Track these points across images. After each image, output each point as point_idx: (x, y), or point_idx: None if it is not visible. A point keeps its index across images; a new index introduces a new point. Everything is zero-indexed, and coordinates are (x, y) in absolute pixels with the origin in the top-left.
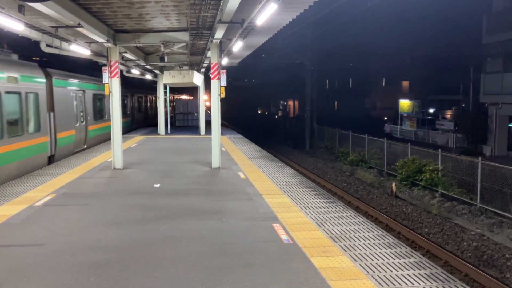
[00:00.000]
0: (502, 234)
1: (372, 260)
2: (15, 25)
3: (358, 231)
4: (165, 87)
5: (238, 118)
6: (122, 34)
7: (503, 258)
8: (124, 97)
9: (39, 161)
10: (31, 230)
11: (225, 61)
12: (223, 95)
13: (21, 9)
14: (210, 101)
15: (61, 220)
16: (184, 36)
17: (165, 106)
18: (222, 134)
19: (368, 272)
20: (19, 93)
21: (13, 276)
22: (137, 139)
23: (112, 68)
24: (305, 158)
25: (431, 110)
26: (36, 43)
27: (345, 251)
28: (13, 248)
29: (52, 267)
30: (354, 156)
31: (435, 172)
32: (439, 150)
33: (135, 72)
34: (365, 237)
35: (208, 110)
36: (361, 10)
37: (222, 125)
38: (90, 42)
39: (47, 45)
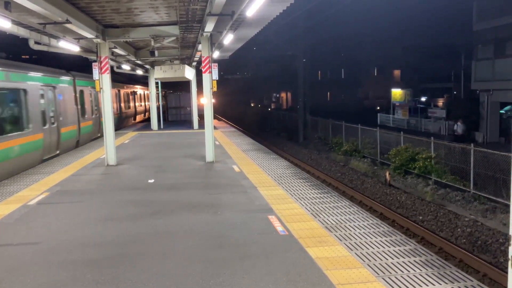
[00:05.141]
0: (496, 220)
1: (368, 248)
2: (2, 23)
3: (353, 221)
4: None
5: (231, 111)
6: (111, 29)
7: (496, 243)
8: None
9: None
10: (26, 229)
11: (216, 54)
12: (215, 89)
13: (7, 6)
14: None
15: (56, 218)
16: (174, 30)
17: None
18: (215, 128)
19: (364, 261)
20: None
21: (10, 275)
22: (130, 135)
23: (102, 64)
24: (299, 149)
25: (423, 99)
26: (23, 40)
27: (341, 240)
28: (8, 247)
29: (48, 265)
30: (348, 146)
31: (428, 160)
32: (432, 138)
33: (126, 67)
34: (360, 226)
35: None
36: (352, 0)
37: (215, 119)
38: (79, 38)
39: (36, 42)
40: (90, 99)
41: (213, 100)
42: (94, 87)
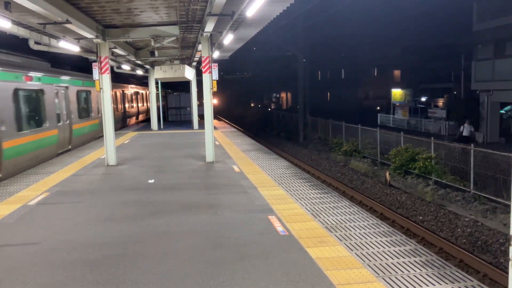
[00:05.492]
0: (496, 220)
1: (368, 248)
2: (2, 23)
3: (353, 221)
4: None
5: (231, 112)
6: (111, 29)
7: (497, 243)
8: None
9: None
10: (26, 229)
11: (216, 54)
12: (215, 89)
13: (7, 6)
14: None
15: (56, 218)
16: (174, 30)
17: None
18: (215, 128)
19: (364, 261)
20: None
21: (10, 275)
22: (130, 135)
23: (102, 64)
24: (299, 149)
25: (423, 99)
26: (23, 40)
27: (341, 240)
28: (8, 248)
29: (48, 265)
30: (348, 147)
31: (428, 160)
32: (432, 138)
33: (126, 67)
34: (361, 226)
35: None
36: (352, 0)
37: (216, 119)
38: (79, 38)
39: (36, 43)
40: (120, 98)
41: (214, 101)
42: (120, 90)
